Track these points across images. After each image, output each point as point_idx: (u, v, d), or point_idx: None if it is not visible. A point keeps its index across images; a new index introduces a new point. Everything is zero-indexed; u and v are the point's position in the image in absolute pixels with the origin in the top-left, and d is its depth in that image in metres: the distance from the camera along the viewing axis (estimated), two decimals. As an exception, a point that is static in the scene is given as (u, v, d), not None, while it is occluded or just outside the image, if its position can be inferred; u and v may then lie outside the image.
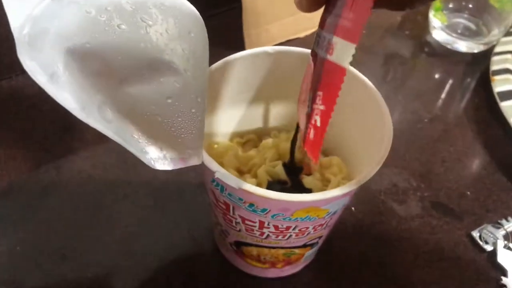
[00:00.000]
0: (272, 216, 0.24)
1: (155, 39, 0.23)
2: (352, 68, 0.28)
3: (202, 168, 0.26)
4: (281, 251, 0.28)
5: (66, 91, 0.19)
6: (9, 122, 0.41)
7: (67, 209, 0.35)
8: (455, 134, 0.43)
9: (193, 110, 0.22)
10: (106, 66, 0.20)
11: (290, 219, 0.24)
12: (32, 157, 0.38)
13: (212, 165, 0.22)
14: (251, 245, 0.28)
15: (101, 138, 0.38)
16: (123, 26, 0.22)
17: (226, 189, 0.24)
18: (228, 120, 0.31)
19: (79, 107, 0.18)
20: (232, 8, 0.49)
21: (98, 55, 0.20)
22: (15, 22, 0.19)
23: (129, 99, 0.20)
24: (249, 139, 0.32)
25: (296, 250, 0.29)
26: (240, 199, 0.23)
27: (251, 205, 0.24)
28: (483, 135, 0.43)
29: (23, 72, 0.44)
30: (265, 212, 0.24)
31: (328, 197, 0.22)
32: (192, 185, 0.37)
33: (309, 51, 0.29)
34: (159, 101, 0.21)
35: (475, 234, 0.36)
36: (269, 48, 0.29)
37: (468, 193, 0.39)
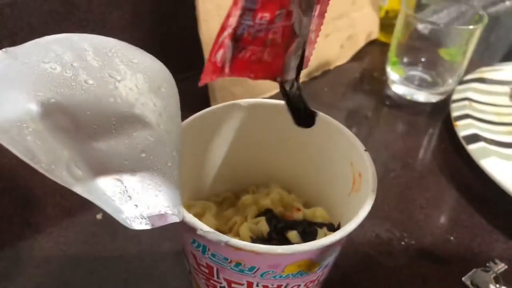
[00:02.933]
0: (262, 275, 0.22)
1: (125, 93, 0.22)
2: (321, 114, 0.28)
3: (180, 230, 0.24)
4: (272, 315, 0.26)
5: (32, 150, 0.17)
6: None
7: (27, 294, 0.31)
8: (428, 181, 0.43)
9: (169, 164, 0.21)
10: (73, 121, 0.19)
11: (281, 277, 0.22)
12: (-13, 238, 0.35)
13: (194, 222, 0.21)
14: (238, 312, 0.25)
15: (64, 212, 0.36)
16: (90, 81, 0.21)
17: (209, 249, 0.22)
18: (204, 178, 0.29)
19: (46, 165, 0.17)
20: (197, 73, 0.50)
21: (64, 111, 0.19)
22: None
23: (99, 155, 0.19)
24: (225, 197, 0.31)
25: (288, 313, 0.26)
26: (225, 258, 0.22)
27: (238, 264, 0.22)
28: (456, 179, 0.43)
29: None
30: (254, 271, 0.22)
31: (321, 245, 0.20)
32: (168, 255, 0.34)
33: (282, 102, 0.28)
34: (132, 155, 0.20)
35: (467, 281, 0.35)
36: (241, 101, 0.28)
37: (452, 238, 0.38)
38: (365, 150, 0.25)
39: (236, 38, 0.20)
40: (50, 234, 0.35)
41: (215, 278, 0.23)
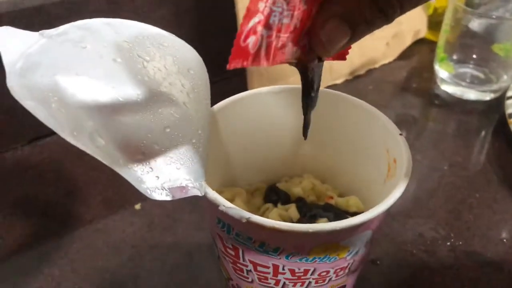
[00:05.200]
0: (287, 257, 0.21)
1: (153, 73, 0.22)
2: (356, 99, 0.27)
3: (206, 211, 0.24)
4: (301, 305, 0.25)
5: (55, 117, 0.17)
6: (12, 191, 0.39)
7: (68, 277, 0.32)
8: (479, 181, 0.41)
9: (193, 141, 0.21)
10: (98, 93, 0.19)
11: (307, 260, 0.21)
12: (32, 224, 0.36)
13: (216, 197, 0.20)
14: (266, 299, 0.25)
15: (105, 202, 0.37)
16: (118, 60, 0.21)
17: (233, 229, 0.21)
18: (235, 166, 0.29)
19: (68, 132, 0.17)
20: (238, 74, 0.50)
21: (90, 84, 0.19)
22: (9, 58, 0.19)
23: (123, 128, 0.19)
24: (258, 187, 0.30)
25: (318, 304, 0.25)
26: (249, 238, 0.21)
27: (262, 244, 0.21)
28: (509, 179, 0.40)
29: (29, 142, 0.44)
30: (278, 252, 0.21)
31: (345, 225, 0.19)
32: (203, 246, 0.34)
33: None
34: (156, 130, 0.20)
35: (520, 284, 0.32)
36: (275, 87, 0.28)
37: (504, 240, 0.35)
38: (400, 134, 0.24)
39: (268, 26, 0.19)
40: (90, 222, 0.36)
41: (241, 260, 0.23)
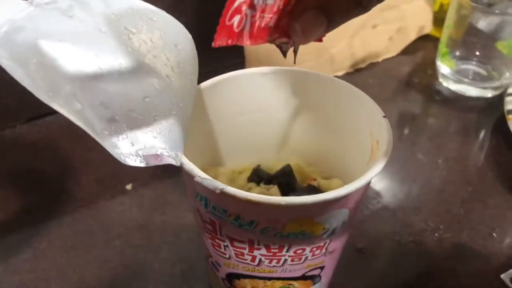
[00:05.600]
0: (262, 232, 0.21)
1: (137, 44, 0.22)
2: (343, 82, 0.27)
3: (186, 185, 0.24)
4: (278, 284, 0.25)
5: (32, 78, 0.18)
6: (8, 168, 0.40)
7: (56, 251, 0.33)
8: (473, 175, 0.40)
9: (173, 112, 0.21)
10: (79, 60, 0.19)
11: (282, 235, 0.21)
12: (25, 200, 0.37)
13: (192, 168, 0.21)
14: (243, 276, 0.25)
15: (97, 181, 0.38)
16: (103, 29, 0.21)
17: (210, 202, 0.22)
18: (223, 145, 0.29)
19: (43, 92, 0.17)
20: (236, 63, 0.50)
21: (72, 50, 0.20)
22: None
23: (101, 94, 0.19)
24: (246, 168, 0.30)
25: (295, 284, 0.25)
26: (225, 210, 0.21)
27: (237, 218, 0.21)
28: (503, 175, 0.40)
29: (27, 120, 0.44)
30: (253, 226, 0.21)
31: (317, 200, 0.19)
32: (190, 226, 0.34)
33: (306, 70, 0.28)
34: (135, 99, 0.20)
35: (506, 278, 0.32)
36: (263, 68, 0.28)
37: (494, 234, 0.35)
38: (384, 117, 0.24)
39: (253, 6, 0.20)
40: (82, 200, 0.37)
41: (219, 235, 0.23)
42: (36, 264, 0.32)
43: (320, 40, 0.21)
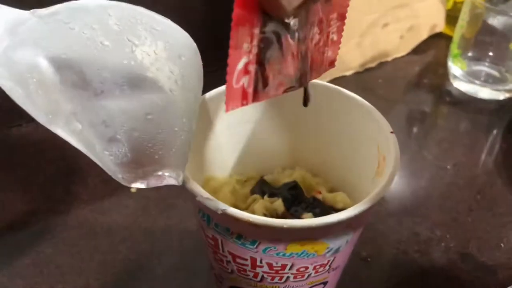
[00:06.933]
0: (264, 251, 0.21)
1: (140, 57, 0.22)
2: (351, 94, 0.26)
3: (192, 202, 0.24)
4: (281, 299, 0.25)
5: (31, 98, 0.17)
6: (13, 167, 0.40)
7: (59, 255, 0.33)
8: (482, 182, 0.40)
9: (175, 129, 0.21)
10: (81, 77, 0.19)
11: (284, 255, 0.21)
12: (30, 200, 0.37)
13: (194, 188, 0.20)
14: (246, 290, 0.25)
15: (103, 183, 0.38)
16: (106, 43, 0.21)
17: (212, 219, 0.21)
18: (228, 154, 0.29)
19: (43, 115, 0.17)
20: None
21: (74, 66, 0.19)
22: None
23: (102, 112, 0.19)
24: (250, 177, 0.30)
25: (298, 298, 0.25)
26: (227, 229, 0.21)
27: (239, 236, 0.21)
28: (515, 183, 0.39)
29: (34, 119, 0.44)
30: (256, 245, 0.21)
31: (321, 223, 0.19)
32: (194, 232, 0.34)
33: (314, 81, 0.27)
34: (137, 116, 0.20)
35: (513, 291, 0.31)
36: (268, 78, 0.27)
37: (502, 245, 0.34)
38: (391, 132, 0.24)
39: (260, 62, 0.19)
40: (87, 201, 0.37)
41: (221, 251, 0.23)
42: (40, 269, 0.32)
43: (333, 64, 0.21)
